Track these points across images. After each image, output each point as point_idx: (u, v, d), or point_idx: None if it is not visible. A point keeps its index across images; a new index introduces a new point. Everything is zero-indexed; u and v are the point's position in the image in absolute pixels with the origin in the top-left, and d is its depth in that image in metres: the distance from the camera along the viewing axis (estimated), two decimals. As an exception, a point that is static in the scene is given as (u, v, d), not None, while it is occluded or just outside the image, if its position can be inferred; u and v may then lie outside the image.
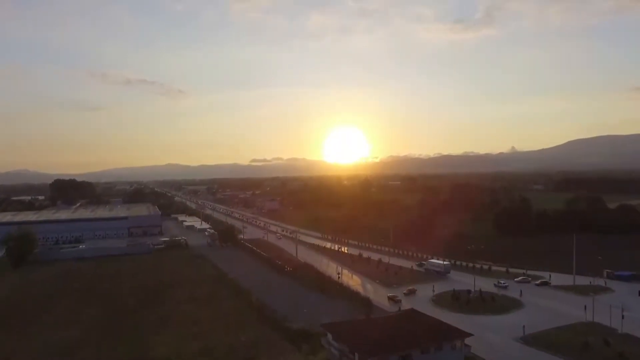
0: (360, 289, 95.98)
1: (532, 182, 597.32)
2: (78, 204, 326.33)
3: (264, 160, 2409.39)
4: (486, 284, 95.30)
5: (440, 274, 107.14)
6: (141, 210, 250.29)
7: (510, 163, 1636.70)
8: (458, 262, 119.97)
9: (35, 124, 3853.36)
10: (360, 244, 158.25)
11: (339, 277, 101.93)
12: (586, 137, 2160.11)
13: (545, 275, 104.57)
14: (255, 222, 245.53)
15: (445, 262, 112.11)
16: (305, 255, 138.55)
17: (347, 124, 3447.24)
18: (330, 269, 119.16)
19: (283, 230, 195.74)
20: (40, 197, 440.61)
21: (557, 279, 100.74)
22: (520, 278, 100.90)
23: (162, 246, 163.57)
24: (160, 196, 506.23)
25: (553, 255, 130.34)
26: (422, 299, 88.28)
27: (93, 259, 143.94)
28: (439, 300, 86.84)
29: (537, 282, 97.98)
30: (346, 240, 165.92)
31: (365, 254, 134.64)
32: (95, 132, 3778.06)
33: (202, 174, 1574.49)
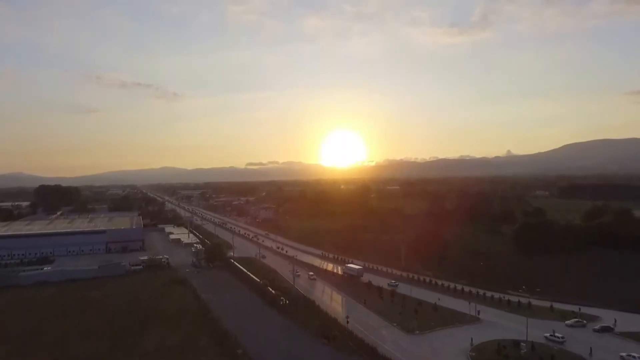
0: (374, 338, 75.92)
1: (533, 187, 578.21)
2: (59, 213, 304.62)
3: (260, 163, 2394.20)
4: (534, 330, 75.45)
5: (354, 277, 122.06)
6: (123, 221, 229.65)
7: (506, 166, 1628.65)
8: (488, 294, 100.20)
9: (30, 127, 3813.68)
10: (366, 264, 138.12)
11: (347, 321, 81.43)
12: (582, 140, 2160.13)
13: (602, 313, 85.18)
14: (248, 234, 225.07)
15: (358, 267, 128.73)
16: (304, 282, 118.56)
17: (343, 127, 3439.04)
18: (335, 303, 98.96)
19: (278, 248, 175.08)
20: (25, 203, 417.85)
21: (619, 319, 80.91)
22: (572, 321, 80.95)
23: (140, 267, 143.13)
24: (151, 202, 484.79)
25: (596, 281, 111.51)
26: (459, 354, 68.51)
27: (57, 284, 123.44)
28: (480, 357, 66.93)
29: (597, 327, 78.09)
30: (350, 260, 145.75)
31: (375, 280, 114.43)
32: (91, 135, 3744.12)
33: (197, 178, 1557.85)
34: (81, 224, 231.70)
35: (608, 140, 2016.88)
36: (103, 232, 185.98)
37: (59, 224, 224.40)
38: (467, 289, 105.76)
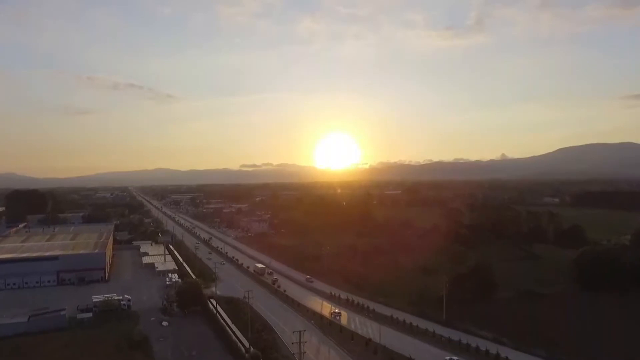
0: None
1: (539, 193, 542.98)
2: (22, 224, 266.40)
3: (254, 165, 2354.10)
4: None
5: (259, 275, 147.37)
6: (90, 238, 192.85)
7: (501, 170, 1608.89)
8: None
9: (22, 127, 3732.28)
10: (394, 316, 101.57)
11: None
12: (577, 144, 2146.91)
13: None
14: (237, 258, 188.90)
15: (262, 266, 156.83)
16: (313, 348, 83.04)
17: (337, 129, 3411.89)
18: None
19: (274, 283, 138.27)
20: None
21: None
22: None
23: (89, 315, 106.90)
24: (137, 209, 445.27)
25: None
26: None
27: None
28: None
29: None
30: (371, 307, 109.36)
31: (415, 348, 79.09)
32: (84, 137, 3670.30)
33: (192, 179, 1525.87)
34: (39, 240, 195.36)
35: (602, 144, 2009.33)
36: (54, 258, 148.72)
37: (10, 242, 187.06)
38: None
